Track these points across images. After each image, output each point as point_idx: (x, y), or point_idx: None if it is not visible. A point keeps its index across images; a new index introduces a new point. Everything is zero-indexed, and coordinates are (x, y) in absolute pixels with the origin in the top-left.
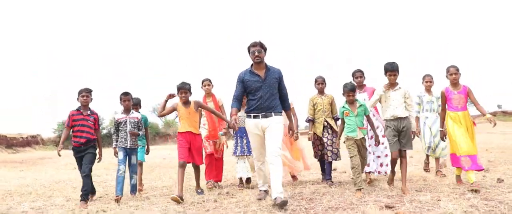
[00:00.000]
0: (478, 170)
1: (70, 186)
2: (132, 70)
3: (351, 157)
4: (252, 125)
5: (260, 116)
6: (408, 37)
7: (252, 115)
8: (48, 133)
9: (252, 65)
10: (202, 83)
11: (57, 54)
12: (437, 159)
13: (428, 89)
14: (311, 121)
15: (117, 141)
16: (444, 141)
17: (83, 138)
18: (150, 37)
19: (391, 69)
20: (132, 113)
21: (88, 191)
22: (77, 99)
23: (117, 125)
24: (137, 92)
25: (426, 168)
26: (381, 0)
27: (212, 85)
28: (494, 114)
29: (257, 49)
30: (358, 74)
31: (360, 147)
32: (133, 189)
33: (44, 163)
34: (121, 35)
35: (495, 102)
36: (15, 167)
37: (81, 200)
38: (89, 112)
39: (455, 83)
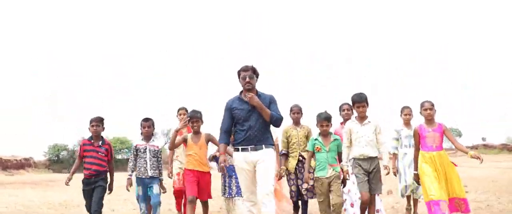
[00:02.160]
0: None
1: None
2: (132, 70)
3: (319, 202)
4: (241, 159)
5: (249, 149)
6: (408, 37)
7: (240, 147)
8: (39, 156)
9: (241, 92)
10: (178, 112)
11: (56, 54)
12: (415, 200)
13: (407, 123)
14: (285, 155)
15: (132, 171)
16: (419, 185)
17: (93, 171)
18: (150, 37)
19: (359, 100)
20: (153, 140)
21: None
22: (88, 128)
23: (136, 152)
24: (137, 92)
25: None
26: (381, 0)
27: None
28: (476, 147)
29: (248, 74)
30: (345, 107)
31: (331, 187)
32: None
33: (51, 184)
34: (121, 35)
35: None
36: (34, 187)
37: None
38: (100, 143)
39: (429, 120)
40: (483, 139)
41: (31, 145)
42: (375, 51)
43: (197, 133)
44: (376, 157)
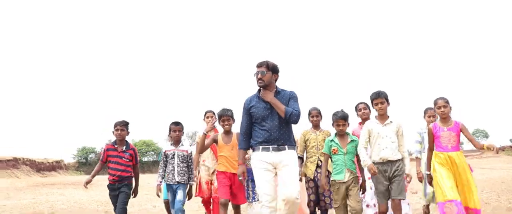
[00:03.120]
0: None
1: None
2: (158, 72)
3: (335, 208)
4: (261, 158)
5: (271, 149)
6: (431, 30)
7: (260, 147)
8: (68, 158)
9: (259, 90)
10: (205, 115)
11: (86, 57)
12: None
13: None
14: (300, 159)
15: (163, 177)
16: (432, 186)
17: (116, 177)
18: (176, 39)
19: (377, 96)
20: (182, 145)
21: None
22: (113, 132)
23: (165, 158)
24: (164, 94)
25: None
26: (386, 2)
27: (216, 119)
28: (502, 149)
29: (261, 70)
30: (361, 106)
31: (349, 192)
32: None
33: (89, 185)
34: (149, 37)
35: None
36: (75, 188)
37: None
38: (124, 148)
39: (444, 118)
40: (511, 140)
41: (61, 148)
42: (378, 55)
43: (228, 132)
44: (399, 160)
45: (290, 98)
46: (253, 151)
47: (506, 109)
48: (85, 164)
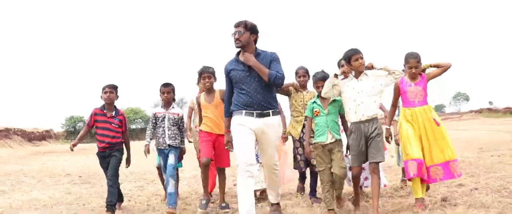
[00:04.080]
0: (450, 178)
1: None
2: (146, 40)
3: (318, 171)
4: (242, 122)
5: (255, 115)
6: (403, 29)
7: (243, 111)
8: (57, 127)
9: (238, 52)
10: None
11: (71, 27)
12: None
13: (413, 77)
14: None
15: (151, 138)
16: (389, 143)
17: (106, 143)
18: (163, 8)
19: (354, 53)
20: (173, 107)
21: (113, 202)
22: (101, 96)
23: (155, 120)
24: (152, 61)
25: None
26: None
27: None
28: (479, 111)
29: (238, 30)
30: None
31: (332, 156)
32: (172, 201)
33: (87, 152)
34: (134, 7)
35: (487, 98)
36: (75, 155)
37: (107, 211)
38: (113, 113)
39: (414, 77)
40: (490, 103)
41: (49, 117)
42: (372, 43)
43: (210, 90)
44: (376, 117)
45: (271, 60)
46: (233, 115)
47: (486, 72)
48: (74, 132)
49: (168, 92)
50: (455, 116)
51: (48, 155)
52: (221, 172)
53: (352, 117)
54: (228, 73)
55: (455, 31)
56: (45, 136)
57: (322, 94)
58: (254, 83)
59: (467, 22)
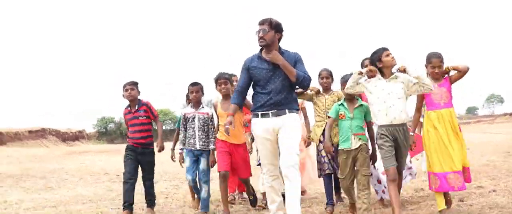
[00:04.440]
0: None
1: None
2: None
3: (340, 178)
4: (261, 126)
5: (271, 114)
6: (403, 31)
7: (260, 113)
8: (89, 128)
9: (261, 50)
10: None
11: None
12: None
13: (437, 78)
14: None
15: (183, 143)
16: (412, 150)
17: (137, 139)
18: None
19: (384, 49)
20: (202, 107)
21: (153, 201)
22: (123, 95)
23: (185, 122)
24: (179, 62)
25: None
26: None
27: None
28: (510, 114)
29: (263, 28)
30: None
31: (358, 160)
32: (204, 205)
33: (117, 153)
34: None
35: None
36: (110, 155)
37: (148, 206)
38: (137, 106)
39: (437, 79)
40: None
41: (82, 118)
42: (370, 46)
43: (227, 97)
44: (406, 123)
45: (296, 61)
46: (253, 117)
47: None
48: (105, 133)
49: (196, 91)
50: (488, 118)
51: (84, 155)
52: (245, 182)
53: (382, 119)
54: (247, 68)
55: (489, 32)
56: (78, 137)
57: (346, 90)
58: (277, 83)
59: (503, 23)
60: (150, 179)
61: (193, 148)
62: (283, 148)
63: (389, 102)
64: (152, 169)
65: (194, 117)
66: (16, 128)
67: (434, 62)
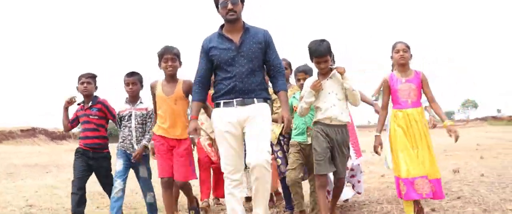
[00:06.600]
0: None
1: None
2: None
3: (289, 170)
4: (223, 118)
5: (235, 103)
6: (403, 33)
7: (222, 102)
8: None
9: (222, 26)
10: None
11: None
12: None
13: (403, 64)
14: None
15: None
16: (379, 154)
17: (88, 139)
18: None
19: (318, 55)
20: (141, 102)
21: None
22: (77, 88)
23: (120, 121)
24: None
25: None
26: None
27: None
28: (485, 119)
29: None
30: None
31: (309, 162)
32: (152, 211)
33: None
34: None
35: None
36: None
37: None
38: (91, 103)
39: (403, 66)
40: (498, 111)
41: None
42: (370, 47)
43: (172, 78)
44: (346, 125)
45: (267, 43)
46: (214, 107)
47: (497, 79)
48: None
49: (133, 83)
50: (461, 123)
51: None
52: (184, 187)
53: (320, 116)
54: (207, 51)
55: (469, 38)
56: (65, 136)
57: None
58: (242, 65)
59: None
60: (109, 183)
61: (128, 151)
62: (251, 144)
63: (329, 102)
64: (108, 174)
65: (131, 115)
66: (10, 127)
67: (398, 46)
